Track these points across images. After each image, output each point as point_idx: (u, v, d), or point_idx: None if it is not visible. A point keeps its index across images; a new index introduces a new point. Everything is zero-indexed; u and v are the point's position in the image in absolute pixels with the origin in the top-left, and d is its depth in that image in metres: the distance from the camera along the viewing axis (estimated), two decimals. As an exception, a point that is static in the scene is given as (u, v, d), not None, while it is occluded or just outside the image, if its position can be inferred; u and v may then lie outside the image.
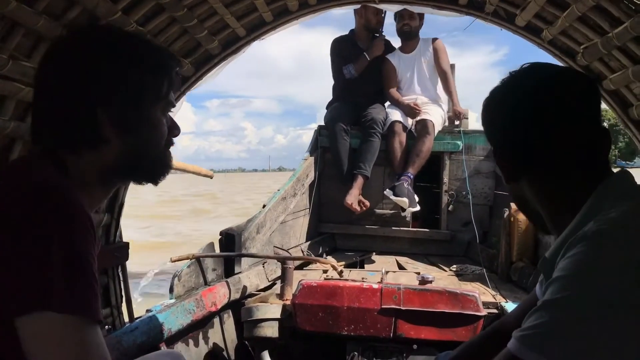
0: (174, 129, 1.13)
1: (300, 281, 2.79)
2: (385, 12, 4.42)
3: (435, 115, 4.37)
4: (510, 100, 1.11)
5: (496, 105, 1.14)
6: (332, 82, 4.78)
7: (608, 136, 1.06)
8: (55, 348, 0.83)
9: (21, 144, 1.72)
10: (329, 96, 4.83)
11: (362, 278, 3.22)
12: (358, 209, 4.18)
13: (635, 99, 2.02)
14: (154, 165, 1.12)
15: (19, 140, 1.72)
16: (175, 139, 1.15)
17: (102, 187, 1.10)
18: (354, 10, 4.46)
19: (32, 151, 1.09)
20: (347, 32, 4.76)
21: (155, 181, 1.14)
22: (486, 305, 2.80)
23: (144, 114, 1.05)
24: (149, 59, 1.05)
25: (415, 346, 2.68)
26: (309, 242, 4.24)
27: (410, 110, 4.37)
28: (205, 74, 2.35)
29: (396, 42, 4.72)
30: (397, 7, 2.77)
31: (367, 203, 4.24)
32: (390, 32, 4.63)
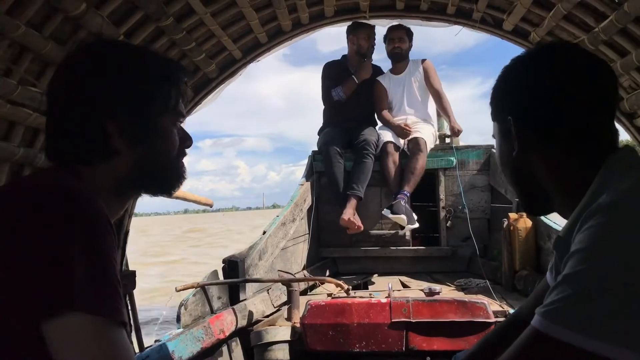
0: (186, 140, 1.14)
1: (308, 302, 2.78)
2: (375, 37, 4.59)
3: (427, 133, 4.44)
4: (535, 72, 1.11)
5: (519, 75, 1.15)
6: (321, 116, 4.86)
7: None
8: (83, 350, 0.82)
9: (30, 170, 1.72)
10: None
11: (370, 294, 3.21)
12: (355, 223, 4.17)
13: (625, 92, 2.08)
14: (166, 176, 1.13)
15: (27, 167, 1.73)
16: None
17: (118, 199, 1.10)
18: (347, 36, 4.60)
19: (48, 166, 1.10)
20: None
21: (169, 192, 1.15)
22: (495, 314, 2.79)
23: (153, 125, 1.06)
24: (155, 70, 1.07)
25: (428, 358, 2.66)
26: (311, 268, 4.22)
27: (401, 131, 4.44)
28: (204, 98, 2.39)
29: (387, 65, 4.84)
30: (388, 22, 2.85)
31: (360, 224, 4.22)
32: (382, 54, 4.79)
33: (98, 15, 1.67)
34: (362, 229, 4.25)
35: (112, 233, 0.93)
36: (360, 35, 4.51)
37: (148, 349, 2.32)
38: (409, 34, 4.57)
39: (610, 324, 0.82)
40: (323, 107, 4.84)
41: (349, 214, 4.17)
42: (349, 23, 2.54)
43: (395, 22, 3.53)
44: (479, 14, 2.18)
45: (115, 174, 1.05)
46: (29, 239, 0.85)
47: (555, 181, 1.12)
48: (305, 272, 4.08)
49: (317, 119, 4.94)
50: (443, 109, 4.62)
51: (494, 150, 4.46)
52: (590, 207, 0.93)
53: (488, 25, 2.22)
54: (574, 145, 1.07)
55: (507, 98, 1.17)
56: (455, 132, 4.56)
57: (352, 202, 4.24)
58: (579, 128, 1.06)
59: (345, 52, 4.80)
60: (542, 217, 3.53)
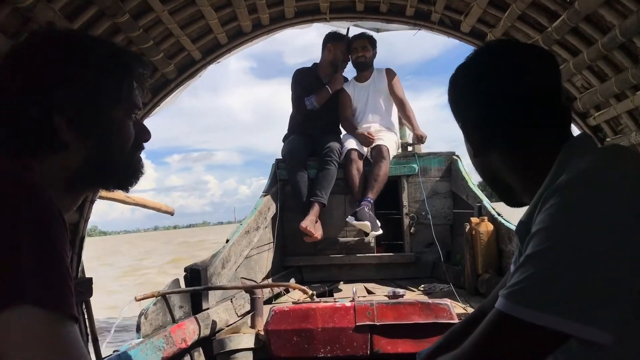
0: (143, 133, 1.10)
1: (271, 307, 2.74)
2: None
3: (389, 141, 4.48)
4: (477, 75, 1.13)
5: (464, 81, 1.17)
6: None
7: (568, 107, 1.12)
8: (31, 345, 0.77)
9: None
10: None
11: (335, 299, 3.19)
12: (313, 231, 4.14)
13: (578, 91, 2.14)
14: (121, 171, 1.08)
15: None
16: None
17: (69, 194, 1.06)
18: (324, 44, 4.65)
19: None
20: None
21: (124, 187, 1.11)
22: (458, 317, 2.80)
23: (103, 117, 1.02)
24: (105, 59, 1.03)
25: None
26: (275, 276, 4.18)
27: (365, 139, 4.47)
28: (162, 100, 2.35)
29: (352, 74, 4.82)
30: (347, 24, 2.89)
31: (320, 233, 4.21)
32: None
33: (49, 8, 1.62)
34: (320, 238, 4.23)
35: (63, 224, 0.88)
36: (338, 47, 4.57)
37: (106, 358, 2.24)
38: (372, 42, 4.64)
39: (572, 301, 0.82)
40: (290, 114, 4.84)
41: (310, 220, 4.15)
42: (308, 25, 2.57)
43: (355, 26, 3.56)
44: (437, 15, 2.22)
45: (65, 168, 1.00)
46: None
47: (515, 175, 1.13)
48: (269, 281, 4.03)
49: (285, 130, 4.91)
50: (406, 117, 4.68)
51: (455, 157, 4.54)
52: (550, 187, 0.94)
53: (446, 27, 2.26)
54: (525, 138, 1.09)
55: (455, 106, 1.19)
56: (420, 139, 4.61)
57: (315, 209, 4.22)
58: (525, 121, 1.08)
59: (313, 61, 4.83)
60: (503, 220, 3.59)
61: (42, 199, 0.86)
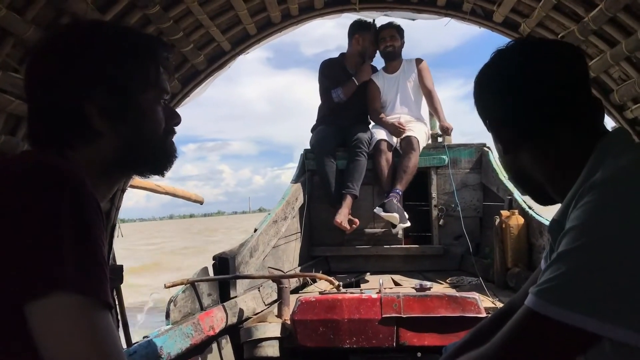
0: (173, 117, 1.11)
1: (298, 297, 2.75)
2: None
3: (420, 132, 4.43)
4: (503, 74, 1.12)
5: (489, 80, 1.16)
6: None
7: (599, 100, 1.10)
8: (67, 332, 0.79)
9: (11, 158, 1.69)
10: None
11: (361, 290, 3.19)
12: (348, 227, 4.17)
13: (615, 83, 2.07)
14: (154, 156, 1.09)
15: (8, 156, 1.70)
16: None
17: (105, 182, 1.07)
18: (351, 35, 4.58)
19: (33, 148, 1.07)
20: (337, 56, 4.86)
21: (159, 172, 1.11)
22: (487, 310, 2.77)
23: (133, 103, 1.03)
24: (131, 46, 1.04)
25: (419, 354, 2.64)
26: (302, 266, 4.20)
27: (395, 129, 4.43)
28: (191, 91, 2.37)
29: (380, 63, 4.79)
30: (377, 14, 2.86)
31: (357, 221, 4.23)
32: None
33: (82, 0, 1.64)
34: (358, 224, 4.24)
35: (100, 213, 0.90)
36: (366, 37, 4.52)
37: (136, 344, 2.29)
38: (400, 31, 4.57)
39: (604, 301, 0.80)
40: (318, 105, 4.83)
41: (344, 215, 4.17)
42: (338, 16, 2.54)
43: (384, 16, 3.51)
44: (469, 5, 2.17)
45: (99, 156, 1.02)
46: (15, 216, 0.82)
47: (545, 173, 1.12)
48: (296, 270, 4.06)
49: (302, 122, 4.94)
50: (434, 108, 4.62)
51: (486, 149, 4.47)
52: (584, 185, 0.92)
53: (478, 17, 2.22)
54: (554, 136, 1.07)
55: (481, 106, 1.19)
56: (446, 130, 4.56)
57: (348, 201, 4.23)
58: (553, 118, 1.06)
59: (330, 51, 4.80)
60: (534, 214, 3.52)
61: (80, 188, 0.88)
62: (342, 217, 4.15)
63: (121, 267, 2.55)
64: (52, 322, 0.79)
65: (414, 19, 3.01)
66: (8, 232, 0.81)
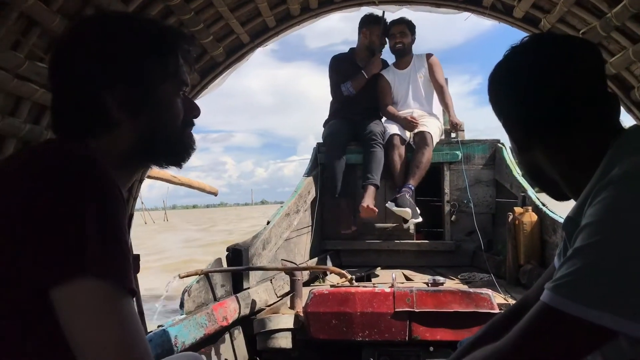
0: (192, 109, 1.12)
1: (311, 290, 2.76)
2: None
3: (433, 127, 4.42)
4: (517, 71, 1.12)
5: (503, 78, 1.16)
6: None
7: (616, 97, 1.09)
8: (91, 318, 0.80)
9: (34, 147, 1.72)
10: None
11: (373, 284, 3.20)
12: (375, 210, 4.15)
13: (636, 80, 2.06)
14: (172, 147, 1.10)
15: (32, 144, 1.72)
16: None
17: (124, 171, 1.08)
18: (359, 30, 4.59)
19: (57, 137, 1.09)
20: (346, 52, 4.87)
21: (177, 163, 1.13)
22: (499, 307, 2.77)
23: (152, 94, 1.04)
24: (151, 38, 1.04)
25: (431, 348, 2.64)
26: (314, 260, 4.21)
27: (408, 124, 4.42)
28: (210, 82, 2.38)
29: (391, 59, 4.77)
30: (396, 8, 2.85)
31: (376, 210, 4.22)
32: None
33: (107, -9, 1.66)
34: (376, 214, 4.23)
35: (123, 200, 0.91)
36: (375, 31, 4.50)
37: (151, 333, 2.31)
38: (410, 27, 4.56)
39: (620, 297, 0.80)
40: (322, 99, 4.83)
41: (369, 201, 4.16)
42: (357, 9, 2.54)
43: (405, 9, 3.50)
44: (489, 0, 2.16)
45: (119, 146, 1.03)
46: (42, 203, 0.83)
47: (560, 170, 1.12)
48: (308, 263, 4.07)
49: (306, 115, 4.93)
50: (444, 104, 4.60)
51: (500, 145, 4.45)
52: (601, 181, 0.92)
53: (498, 12, 2.20)
54: (569, 133, 1.07)
55: (496, 103, 1.18)
56: (455, 126, 4.53)
57: (370, 191, 4.22)
58: (568, 116, 1.06)
59: (335, 45, 4.80)
60: (547, 211, 3.51)
61: (104, 176, 0.89)
62: (369, 201, 4.15)
63: (138, 256, 2.58)
64: (77, 307, 0.80)
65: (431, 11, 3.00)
66: (37, 218, 0.82)
